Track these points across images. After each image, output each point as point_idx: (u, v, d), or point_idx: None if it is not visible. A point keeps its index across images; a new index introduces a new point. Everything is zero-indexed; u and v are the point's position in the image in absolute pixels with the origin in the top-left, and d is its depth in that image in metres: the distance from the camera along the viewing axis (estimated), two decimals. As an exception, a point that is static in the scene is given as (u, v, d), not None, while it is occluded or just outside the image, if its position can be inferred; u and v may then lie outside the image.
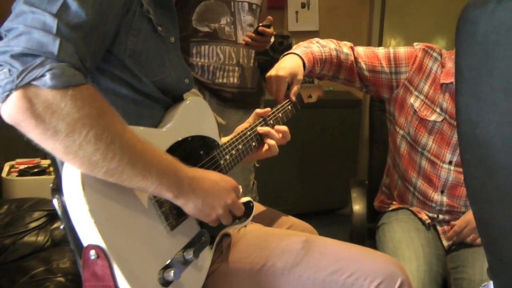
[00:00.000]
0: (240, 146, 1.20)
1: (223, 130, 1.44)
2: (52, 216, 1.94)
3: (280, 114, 1.35)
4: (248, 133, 1.25)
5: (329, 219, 3.35)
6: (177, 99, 1.08)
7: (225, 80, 1.86)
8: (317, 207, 3.36)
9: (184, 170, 0.89)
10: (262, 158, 1.30)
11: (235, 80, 1.88)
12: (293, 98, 1.40)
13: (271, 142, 1.25)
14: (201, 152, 1.08)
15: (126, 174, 0.78)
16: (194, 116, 1.08)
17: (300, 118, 2.77)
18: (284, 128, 1.29)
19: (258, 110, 1.31)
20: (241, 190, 1.02)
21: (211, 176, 0.95)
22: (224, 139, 1.20)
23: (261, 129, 1.26)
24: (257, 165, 2.12)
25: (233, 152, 1.17)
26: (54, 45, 0.73)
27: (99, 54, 0.86)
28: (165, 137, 0.99)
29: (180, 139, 1.02)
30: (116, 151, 0.75)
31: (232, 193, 0.98)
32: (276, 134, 1.27)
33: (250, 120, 1.31)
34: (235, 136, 1.21)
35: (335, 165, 3.30)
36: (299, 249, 1.07)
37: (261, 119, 1.30)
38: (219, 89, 1.87)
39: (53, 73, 0.72)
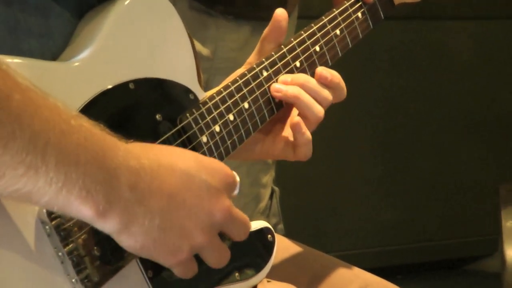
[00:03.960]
0: (245, 105, 1.07)
1: (206, 68, 1.39)
2: None
3: (337, 31, 1.17)
4: (265, 73, 1.08)
5: (450, 278, 3.09)
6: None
7: None
8: (423, 253, 3.08)
9: (119, 153, 0.81)
10: (279, 158, 1.16)
11: None
12: None
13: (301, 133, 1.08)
14: (157, 116, 0.98)
15: None
16: (142, 34, 0.98)
17: (384, 47, 2.54)
18: (334, 75, 1.11)
19: (283, 24, 1.13)
20: (238, 183, 0.95)
21: (178, 161, 0.88)
22: (210, 91, 1.08)
23: (284, 79, 1.11)
24: None
25: (230, 117, 1.05)
26: None
27: None
28: (78, 81, 0.92)
29: (110, 86, 0.93)
30: None
31: (222, 196, 0.89)
32: (324, 90, 1.09)
33: (262, 47, 1.15)
34: (233, 83, 1.08)
35: (463, 158, 3.02)
36: None
37: (290, 45, 1.13)
38: None
39: None
